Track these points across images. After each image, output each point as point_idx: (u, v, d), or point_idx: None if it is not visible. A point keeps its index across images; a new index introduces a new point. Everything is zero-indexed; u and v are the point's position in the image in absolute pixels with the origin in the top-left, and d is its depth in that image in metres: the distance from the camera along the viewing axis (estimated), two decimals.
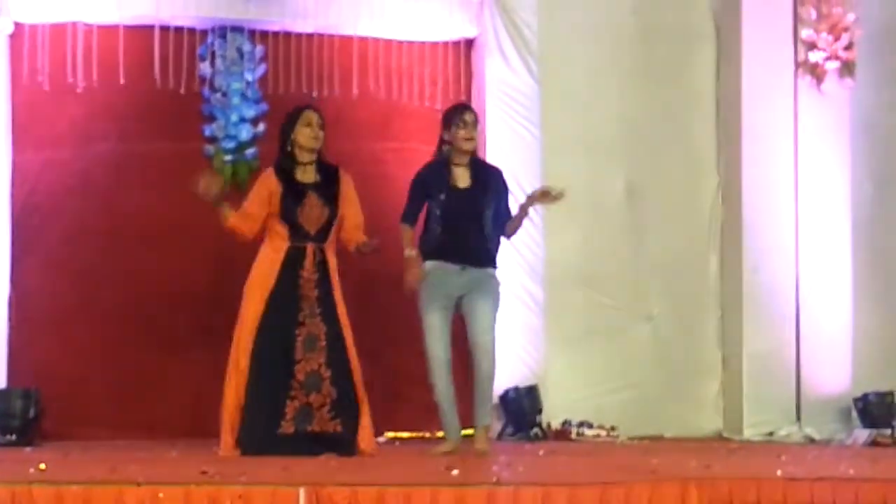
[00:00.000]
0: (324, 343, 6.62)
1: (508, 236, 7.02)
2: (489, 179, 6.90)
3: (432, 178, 6.83)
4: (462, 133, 6.77)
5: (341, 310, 6.74)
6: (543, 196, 6.84)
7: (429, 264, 6.77)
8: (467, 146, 6.82)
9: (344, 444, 6.50)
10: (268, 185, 6.74)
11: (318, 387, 6.56)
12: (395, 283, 8.09)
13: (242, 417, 6.55)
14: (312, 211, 6.70)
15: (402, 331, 8.21)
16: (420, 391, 8.09)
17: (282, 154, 6.79)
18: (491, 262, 6.88)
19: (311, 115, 6.76)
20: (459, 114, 6.85)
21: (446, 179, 6.80)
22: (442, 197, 6.76)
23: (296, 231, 6.69)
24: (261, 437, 6.47)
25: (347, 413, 6.60)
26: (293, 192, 6.70)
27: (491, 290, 6.83)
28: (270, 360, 6.58)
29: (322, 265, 6.70)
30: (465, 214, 6.77)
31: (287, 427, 6.50)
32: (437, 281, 6.74)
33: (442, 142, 6.88)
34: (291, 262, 6.67)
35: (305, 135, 6.72)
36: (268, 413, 6.51)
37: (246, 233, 6.76)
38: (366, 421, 6.69)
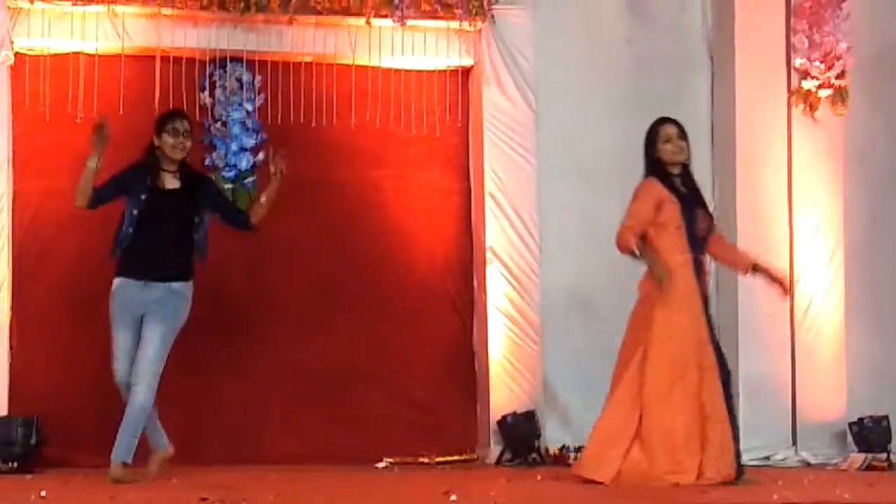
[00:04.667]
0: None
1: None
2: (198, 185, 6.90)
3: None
4: (171, 141, 6.78)
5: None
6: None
7: None
8: (177, 154, 6.81)
9: None
10: (657, 194, 6.60)
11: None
12: (393, 302, 8.18)
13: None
14: (703, 221, 6.67)
15: (398, 351, 8.31)
16: (417, 414, 8.14)
17: (652, 167, 6.66)
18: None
19: (670, 131, 6.72)
20: (171, 121, 6.85)
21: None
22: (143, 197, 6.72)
23: (694, 242, 6.62)
24: None
25: None
26: (683, 203, 6.60)
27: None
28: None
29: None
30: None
31: None
32: None
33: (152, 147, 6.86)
34: (699, 276, 6.58)
35: (669, 151, 6.69)
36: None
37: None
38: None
